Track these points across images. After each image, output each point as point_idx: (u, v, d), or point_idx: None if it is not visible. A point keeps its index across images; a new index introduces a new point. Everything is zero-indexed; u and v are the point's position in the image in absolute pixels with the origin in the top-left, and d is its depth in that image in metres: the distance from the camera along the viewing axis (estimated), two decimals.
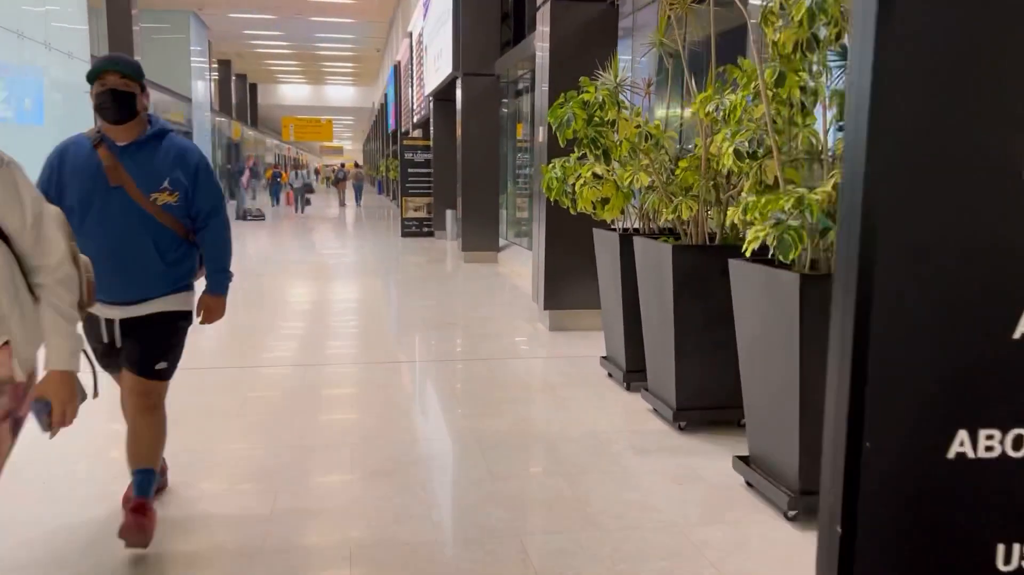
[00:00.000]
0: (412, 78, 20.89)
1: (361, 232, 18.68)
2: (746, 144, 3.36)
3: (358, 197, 30.21)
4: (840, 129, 3.13)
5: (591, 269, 6.56)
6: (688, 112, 4.88)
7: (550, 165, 5.16)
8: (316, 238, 16.46)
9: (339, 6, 25.43)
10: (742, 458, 3.56)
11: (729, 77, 3.85)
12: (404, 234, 16.56)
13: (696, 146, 4.40)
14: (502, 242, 12.45)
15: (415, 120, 21.13)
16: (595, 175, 4.72)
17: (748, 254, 3.17)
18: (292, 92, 48.74)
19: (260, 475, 3.54)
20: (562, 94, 4.31)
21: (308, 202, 26.51)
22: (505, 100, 12.94)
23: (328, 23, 28.18)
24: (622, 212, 4.85)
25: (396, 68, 27.03)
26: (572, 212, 5.19)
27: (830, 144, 3.44)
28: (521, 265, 10.59)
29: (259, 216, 21.07)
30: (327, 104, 48.87)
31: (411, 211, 16.65)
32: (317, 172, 63.25)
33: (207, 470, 3.59)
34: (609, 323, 5.29)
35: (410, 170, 16.55)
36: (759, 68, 3.24)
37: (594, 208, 4.85)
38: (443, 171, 15.84)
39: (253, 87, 45.20)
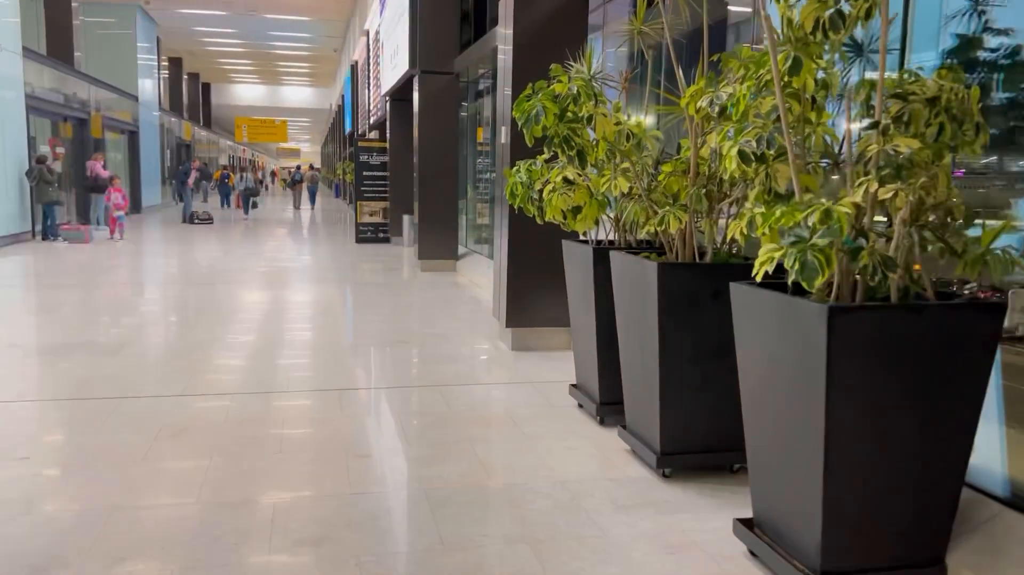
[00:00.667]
0: (369, 78, 20.16)
1: (314, 237, 17.88)
2: (753, 144, 2.78)
3: (312, 200, 29.32)
4: (873, 126, 2.56)
5: (559, 283, 5.96)
6: (657, 113, 4.32)
7: (514, 168, 4.55)
8: (265, 243, 15.63)
9: (294, 4, 24.57)
10: (744, 521, 2.97)
11: (724, 67, 3.27)
12: (359, 240, 15.83)
13: (681, 148, 3.82)
14: (461, 250, 11.82)
15: (372, 121, 20.40)
16: (566, 180, 4.12)
17: (759, 277, 2.58)
18: (247, 92, 47.53)
19: (153, 547, 2.86)
20: (529, 85, 3.69)
21: (255, 205, 26.10)
22: (465, 103, 12.31)
23: (283, 21, 27.29)
24: (596, 222, 4.26)
25: (353, 68, 26.24)
26: (539, 222, 4.58)
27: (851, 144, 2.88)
28: (481, 275, 9.96)
29: (207, 220, 20.13)
30: (284, 105, 47.77)
31: (366, 216, 15.93)
32: (274, 174, 61.93)
33: (87, 538, 2.89)
34: (580, 347, 4.69)
35: (365, 173, 15.84)
36: (771, 52, 2.65)
37: (564, 218, 4.24)
38: (400, 174, 15.18)
39: (206, 86, 43.94)
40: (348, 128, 29.84)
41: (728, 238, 3.63)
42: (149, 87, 26.43)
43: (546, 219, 4.31)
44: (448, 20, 11.17)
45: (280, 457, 3.80)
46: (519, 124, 3.57)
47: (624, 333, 3.92)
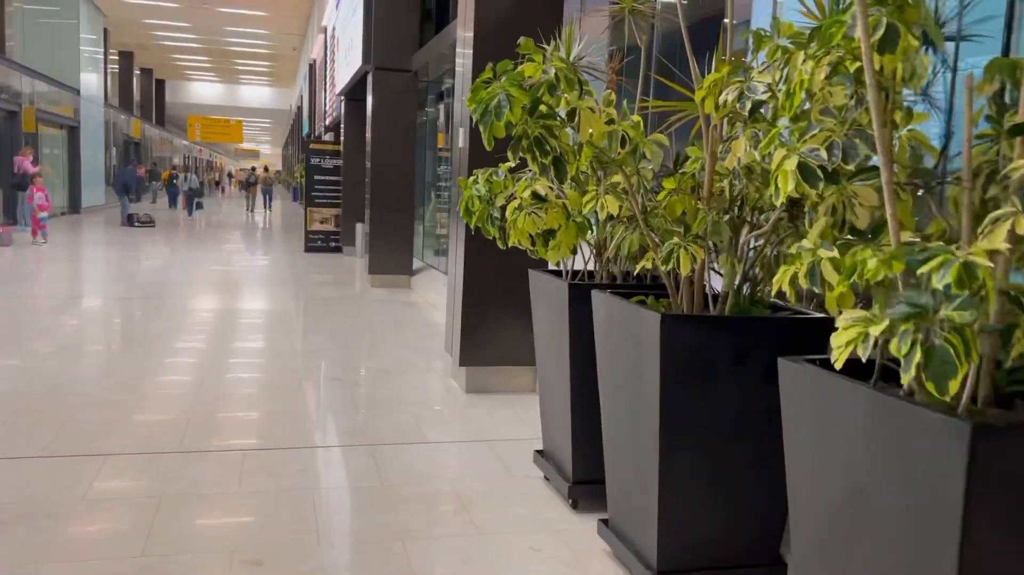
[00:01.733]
0: (326, 77, 19.08)
1: (260, 244, 16.71)
2: (822, 155, 1.86)
3: (268, 203, 28.18)
4: (1019, 131, 1.64)
5: (523, 313, 5.01)
6: (650, 113, 3.40)
7: (471, 178, 3.60)
8: (206, 251, 14.44)
9: None
10: None
11: (757, 48, 2.35)
12: (308, 249, 14.73)
13: (684, 159, 2.89)
14: (417, 263, 10.81)
15: (327, 123, 19.31)
16: (536, 196, 3.17)
17: (840, 363, 1.65)
18: (205, 91, 45.98)
19: None
20: (488, 66, 2.73)
21: (199, 205, 25.44)
22: (426, 105, 11.34)
23: (238, 16, 26.04)
24: (573, 250, 3.31)
25: (311, 67, 25.13)
26: (501, 246, 3.63)
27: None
28: (437, 293, 8.97)
29: (148, 223, 18.84)
30: (243, 105, 46.31)
31: (317, 223, 14.84)
32: (231, 176, 60.18)
33: None
34: (549, 404, 3.73)
35: (317, 177, 14.75)
36: (860, 15, 1.73)
37: (533, 244, 3.30)
38: (353, 180, 14.14)
39: (160, 83, 42.33)
40: (306, 129, 28.68)
41: (761, 285, 2.71)
42: (93, 80, 24.98)
43: (510, 244, 3.36)
44: (406, 14, 10.19)
45: (133, 568, 2.78)
46: (474, 119, 2.60)
47: (609, 398, 2.98)
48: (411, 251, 10.59)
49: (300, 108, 33.90)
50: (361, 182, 14.20)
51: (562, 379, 3.47)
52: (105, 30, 27.32)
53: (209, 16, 26.32)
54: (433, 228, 11.58)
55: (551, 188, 3.15)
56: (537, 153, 2.55)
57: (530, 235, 3.25)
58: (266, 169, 30.70)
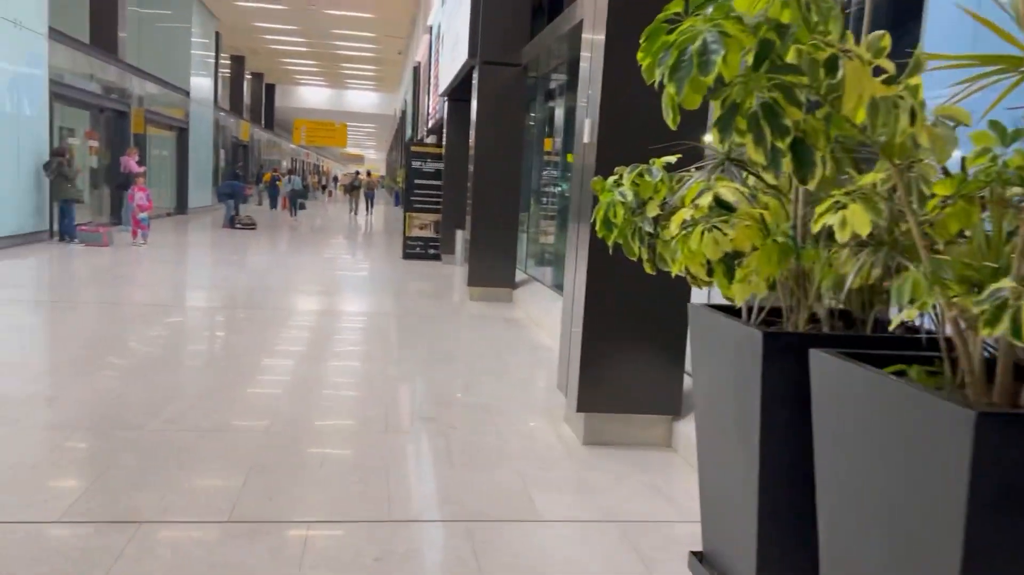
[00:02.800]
0: (430, 78, 18.49)
1: (359, 250, 16.20)
2: None
3: (369, 206, 29.13)
4: None
5: (660, 350, 4.00)
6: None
7: (610, 179, 2.64)
8: (303, 256, 13.98)
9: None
10: None
11: None
12: (406, 256, 14.05)
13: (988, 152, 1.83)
14: (519, 275, 9.90)
15: (430, 125, 18.72)
16: (720, 203, 2.16)
17: None
18: (312, 95, 46.71)
19: None
20: (666, 6, 1.74)
21: (302, 206, 26.20)
22: (534, 110, 10.43)
23: (345, 18, 25.92)
24: (771, 284, 2.28)
25: (416, 70, 24.73)
26: (649, 270, 2.66)
27: None
28: (542, 310, 8.02)
29: (250, 225, 18.67)
30: (348, 109, 46.78)
31: (416, 229, 14.15)
32: (336, 180, 61.16)
33: None
34: (718, 490, 2.70)
35: (417, 181, 14.07)
36: None
37: (710, 273, 2.29)
38: (455, 184, 13.36)
39: (270, 87, 43.18)
40: (410, 133, 28.40)
41: None
42: (204, 83, 25.29)
43: (674, 272, 2.36)
44: (517, 3, 9.31)
45: None
46: (658, 73, 1.62)
47: (848, 505, 1.93)
48: (514, 262, 9.68)
49: (404, 112, 33.77)
50: (463, 187, 13.43)
51: (743, 461, 2.44)
52: (217, 34, 27.73)
53: (317, 19, 26.33)
54: (536, 236, 10.66)
55: (743, 192, 2.13)
56: (768, 131, 1.54)
57: (704, 263, 2.24)
58: (368, 174, 31.09)
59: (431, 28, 18.68)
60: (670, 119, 1.64)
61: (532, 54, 9.00)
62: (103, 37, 17.48)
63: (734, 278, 2.23)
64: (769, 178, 2.28)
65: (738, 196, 2.14)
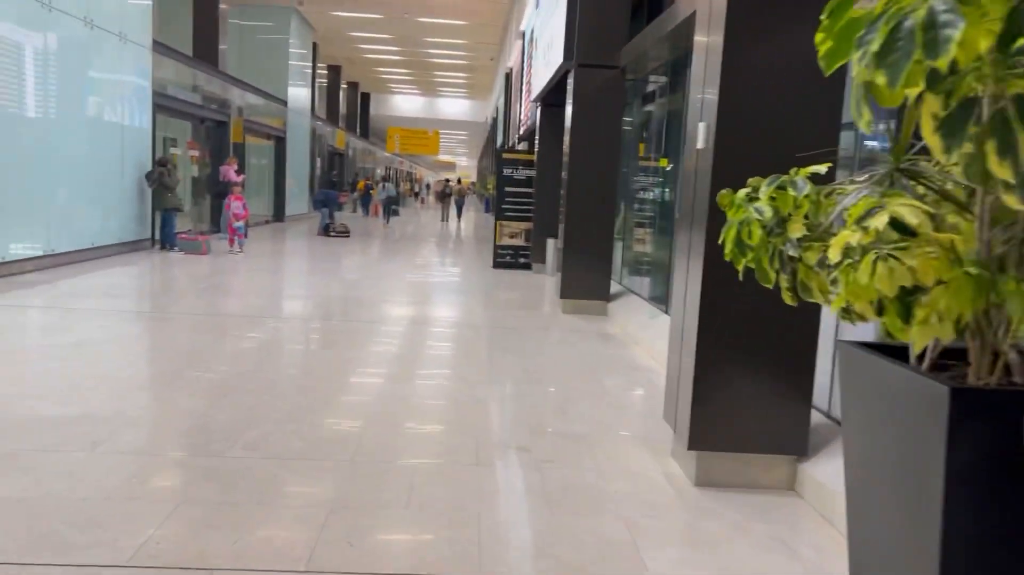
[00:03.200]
0: (522, 83, 18.23)
1: (449, 257, 16.06)
2: None
3: (460, 213, 29.74)
4: None
5: (785, 383, 3.54)
6: None
7: (742, 191, 2.23)
8: (395, 264, 13.91)
9: (449, 6, 23.13)
10: None
11: None
12: (496, 265, 13.78)
13: None
14: (614, 287, 9.46)
15: (522, 132, 18.46)
16: (896, 226, 1.71)
17: None
18: (405, 103, 47.29)
19: None
20: None
21: (395, 212, 26.83)
22: (628, 115, 9.99)
23: (438, 25, 26.01)
24: (962, 326, 1.82)
25: (508, 77, 24.58)
26: (790, 301, 2.24)
27: None
28: (639, 326, 7.57)
29: (343, 233, 18.83)
30: (440, 117, 47.15)
31: (506, 237, 13.87)
32: (429, 187, 61.84)
33: None
34: (882, 563, 2.23)
35: (508, 189, 13.80)
36: None
37: (880, 312, 1.85)
38: (547, 192, 13.04)
39: (365, 96, 43.91)
40: (501, 140, 28.28)
41: None
42: (301, 92, 25.81)
43: (833, 308, 1.93)
44: (615, 3, 8.90)
45: None
46: (857, 58, 1.21)
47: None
48: (609, 273, 9.25)
49: (495, 120, 33.72)
50: (555, 195, 13.08)
51: (915, 533, 1.97)
52: (314, 44, 28.29)
53: (410, 27, 26.51)
54: (632, 245, 10.18)
55: (932, 212, 1.69)
56: (1022, 137, 1.11)
57: (875, 301, 1.79)
58: (459, 181, 31.45)
59: (523, 33, 18.44)
60: (862, 119, 1.23)
61: (631, 55, 8.57)
62: (205, 50, 17.96)
63: (912, 318, 1.78)
64: (958, 194, 1.81)
65: (922, 218, 1.69)
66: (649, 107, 9.63)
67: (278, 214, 23.34)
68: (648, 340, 7.10)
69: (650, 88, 9.61)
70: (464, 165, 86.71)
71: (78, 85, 11.01)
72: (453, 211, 30.12)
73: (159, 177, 12.87)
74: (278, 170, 23.47)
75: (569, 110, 9.10)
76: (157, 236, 13.52)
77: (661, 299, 7.96)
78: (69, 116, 10.81)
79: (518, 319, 8.60)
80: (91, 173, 11.50)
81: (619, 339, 7.68)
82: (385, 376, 5.71)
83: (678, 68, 7.90)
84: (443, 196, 30.64)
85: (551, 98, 12.42)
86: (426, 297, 10.14)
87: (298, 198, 25.11)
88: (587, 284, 9.06)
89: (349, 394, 5.23)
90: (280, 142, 23.51)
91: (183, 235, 13.24)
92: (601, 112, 8.88)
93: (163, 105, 14.31)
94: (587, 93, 8.87)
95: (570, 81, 9.17)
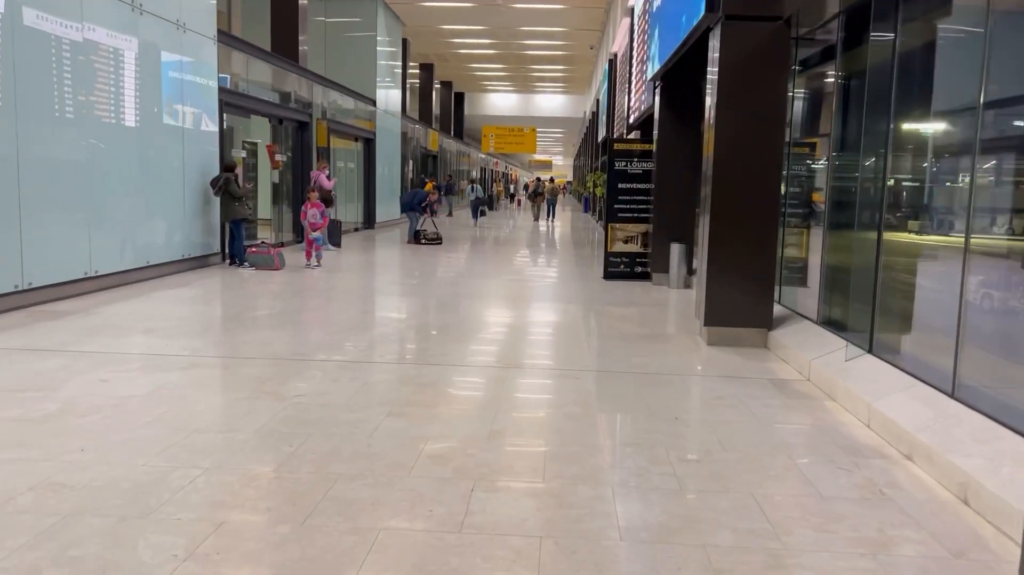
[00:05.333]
0: (631, 64, 16.05)
1: (550, 264, 14.05)
2: None
3: (552, 213, 29.29)
4: None
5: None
6: None
7: None
8: (489, 276, 12.02)
9: None
10: None
11: None
12: (608, 275, 11.69)
13: None
14: (777, 310, 7.21)
15: (631, 121, 16.28)
16: None
17: None
18: (500, 102, 45.65)
19: None
20: None
21: (483, 213, 27.54)
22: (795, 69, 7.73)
23: (534, 11, 24.07)
24: None
25: (611, 63, 22.37)
26: None
27: None
28: (832, 369, 5.38)
29: (435, 240, 17.15)
30: (536, 114, 45.25)
31: (619, 243, 11.75)
32: (527, 187, 60.13)
33: None
34: None
35: (621, 186, 11.68)
36: None
37: None
38: (669, 187, 10.93)
39: (460, 96, 42.49)
40: (602, 134, 26.13)
41: None
42: (392, 92, 24.36)
43: None
44: None
45: None
46: None
47: None
48: (772, 292, 7.02)
49: (595, 113, 31.58)
50: (678, 190, 10.91)
51: None
52: (405, 41, 26.85)
53: (505, 15, 24.68)
54: (796, 252, 7.91)
55: None
56: None
57: None
58: (552, 180, 31.07)
59: (632, 9, 16.26)
60: None
61: (794, 5, 6.34)
62: (283, 44, 16.56)
63: None
64: None
65: None
66: (820, 70, 7.34)
67: (368, 221, 21.91)
68: (853, 394, 4.89)
69: (818, 42, 7.33)
70: (559, 164, 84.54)
71: (125, 81, 9.57)
72: (544, 210, 29.27)
73: (224, 184, 11.38)
74: (367, 174, 22.02)
75: (714, 78, 6.93)
76: (228, 250, 12.08)
77: (857, 328, 5.70)
78: (115, 116, 9.38)
79: (646, 356, 6.48)
80: (145, 180, 10.06)
81: (801, 389, 5.47)
82: (458, 472, 3.75)
83: (863, 16, 5.65)
84: (535, 195, 29.56)
85: (675, 73, 10.25)
86: (522, 324, 8.16)
87: (390, 203, 23.64)
88: (741, 306, 6.88)
89: (410, 507, 3.30)
90: (369, 144, 22.06)
91: (253, 248, 11.72)
92: (759, 78, 6.68)
93: (233, 104, 12.87)
94: (738, 54, 6.69)
95: (713, 42, 7.01)
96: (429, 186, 20.32)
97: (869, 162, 5.72)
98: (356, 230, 20.80)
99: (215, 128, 11.92)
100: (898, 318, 5.35)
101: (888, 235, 5.33)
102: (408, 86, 29.42)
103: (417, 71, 33.62)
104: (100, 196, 9.07)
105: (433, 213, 19.38)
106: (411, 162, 28.03)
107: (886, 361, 5.11)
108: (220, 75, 12.08)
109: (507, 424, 4.52)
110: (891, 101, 5.25)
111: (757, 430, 4.53)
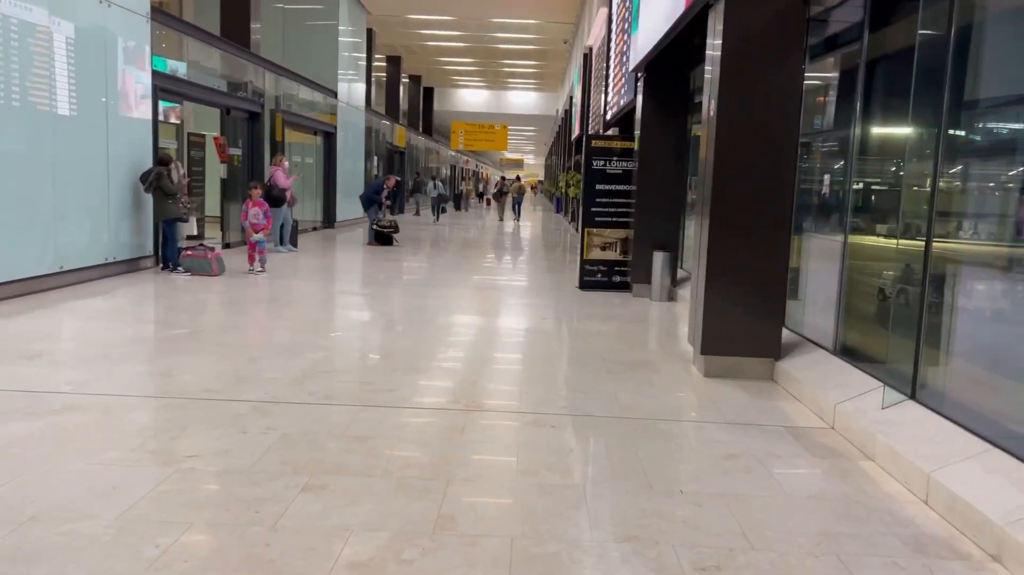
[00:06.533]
0: (609, 56, 14.99)
1: (518, 271, 12.96)
2: None
3: (517, 212, 29.12)
4: None
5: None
6: None
7: None
8: (449, 285, 10.90)
9: None
10: None
11: None
12: (584, 285, 10.63)
13: None
14: (786, 335, 6.16)
15: (607, 118, 15.25)
16: None
17: None
18: (470, 97, 44.45)
19: None
20: None
21: (444, 210, 28.05)
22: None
23: (505, 0, 22.93)
24: None
25: (586, 57, 21.33)
26: None
27: None
28: (866, 418, 4.35)
29: (390, 228, 16.04)
30: (507, 111, 44.13)
31: (596, 249, 10.70)
32: (496, 186, 58.96)
33: None
34: None
35: (599, 187, 10.61)
36: None
37: None
38: (652, 189, 9.93)
39: (428, 91, 41.18)
40: (575, 132, 25.10)
41: None
42: (355, 84, 23.09)
43: None
44: None
45: None
46: None
47: None
48: (782, 315, 5.98)
49: (568, 111, 30.58)
50: (663, 193, 9.89)
51: None
52: (370, 31, 25.58)
53: (474, 5, 23.54)
54: (807, 265, 6.89)
55: None
56: None
57: None
58: (518, 179, 30.40)
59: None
60: None
61: None
62: (234, 29, 15.26)
63: None
64: None
65: None
66: (836, 52, 6.31)
67: (328, 219, 20.64)
68: (900, 456, 3.86)
69: (836, 27, 6.31)
70: (531, 163, 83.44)
71: (33, 60, 8.29)
72: (509, 210, 29.08)
73: (156, 179, 10.12)
74: (328, 170, 20.74)
75: (716, 56, 5.86)
76: (160, 253, 10.82)
77: (893, 362, 4.67)
78: (20, 100, 8.10)
79: (632, 392, 5.40)
80: (58, 174, 8.78)
81: (827, 442, 4.43)
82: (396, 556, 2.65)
83: None
84: (499, 195, 29.15)
85: (662, 61, 9.22)
86: (487, 349, 7.06)
87: (351, 201, 22.37)
88: (744, 332, 5.83)
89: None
90: (329, 138, 20.78)
91: (188, 251, 10.47)
92: (770, 61, 5.64)
93: (171, 90, 11.59)
94: (745, 32, 5.64)
95: (714, 22, 5.96)
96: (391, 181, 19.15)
97: (912, 161, 4.69)
98: (315, 229, 19.55)
99: (148, 116, 10.65)
100: (954, 354, 4.30)
101: (939, 244, 4.29)
102: (374, 79, 28.10)
103: (384, 64, 32.32)
104: None
105: (391, 202, 18.39)
106: (376, 158, 26.76)
107: (940, 413, 4.06)
108: (154, 57, 10.80)
109: (460, 504, 3.40)
110: (944, 90, 4.22)
111: (788, 510, 3.47)
